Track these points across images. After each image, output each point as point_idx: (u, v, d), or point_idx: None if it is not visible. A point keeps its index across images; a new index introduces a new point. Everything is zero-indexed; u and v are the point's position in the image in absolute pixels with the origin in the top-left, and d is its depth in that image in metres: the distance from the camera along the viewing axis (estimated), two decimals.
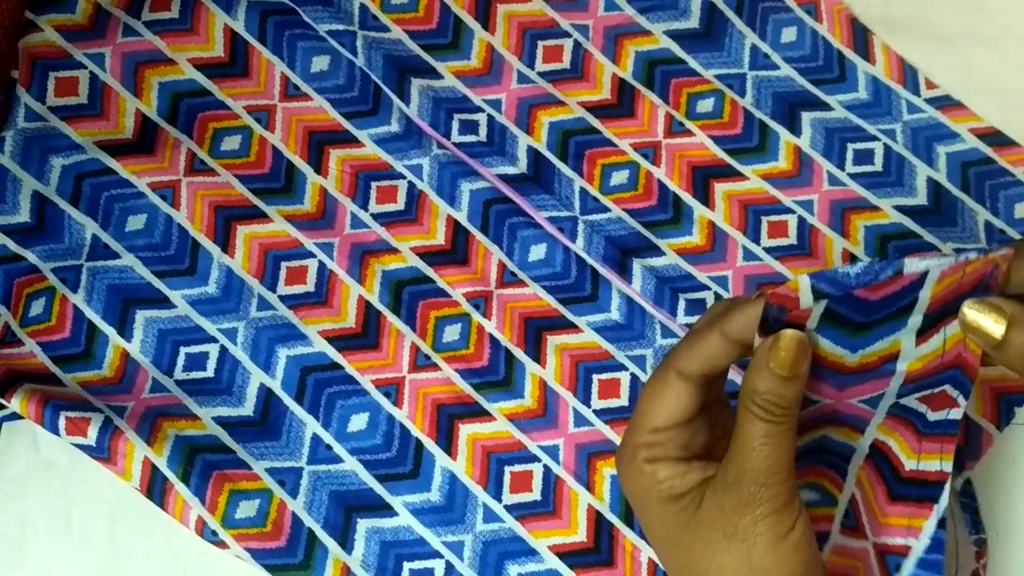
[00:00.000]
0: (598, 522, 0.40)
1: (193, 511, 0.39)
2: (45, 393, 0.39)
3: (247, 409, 0.41)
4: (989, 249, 0.28)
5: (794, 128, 0.45)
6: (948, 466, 0.30)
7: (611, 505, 0.40)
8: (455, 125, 0.44)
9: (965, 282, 0.28)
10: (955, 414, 0.30)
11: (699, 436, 0.31)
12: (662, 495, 0.30)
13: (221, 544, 0.39)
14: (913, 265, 0.28)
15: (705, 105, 0.46)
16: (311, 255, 0.43)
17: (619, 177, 0.45)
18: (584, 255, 0.43)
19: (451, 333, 0.42)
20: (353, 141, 0.44)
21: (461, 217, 0.44)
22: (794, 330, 0.28)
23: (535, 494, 0.40)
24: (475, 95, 0.45)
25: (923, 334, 0.29)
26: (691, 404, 0.30)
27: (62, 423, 0.38)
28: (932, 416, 0.30)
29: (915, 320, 0.29)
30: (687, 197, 0.44)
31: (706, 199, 0.44)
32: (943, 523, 0.31)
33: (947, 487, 0.30)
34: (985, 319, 0.28)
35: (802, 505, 0.29)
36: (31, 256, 0.42)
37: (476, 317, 0.42)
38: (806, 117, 0.46)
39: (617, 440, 0.41)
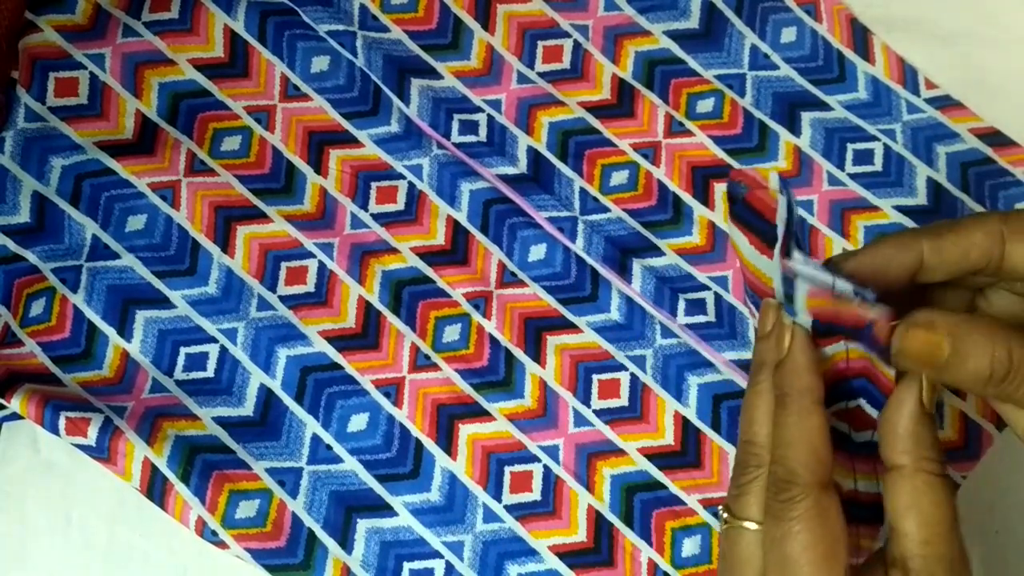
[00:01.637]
0: (598, 522, 0.40)
1: (193, 511, 0.39)
2: (45, 393, 0.39)
3: (247, 409, 0.41)
4: (862, 295, 0.25)
5: (794, 128, 0.45)
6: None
7: (611, 505, 0.40)
8: (455, 125, 0.44)
9: (844, 318, 0.25)
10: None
11: None
12: None
13: (221, 544, 0.39)
14: (788, 263, 0.26)
15: (705, 105, 0.46)
16: (311, 255, 0.43)
17: (619, 177, 0.45)
18: (584, 255, 0.43)
19: (451, 333, 0.42)
20: (353, 141, 0.44)
21: (461, 217, 0.44)
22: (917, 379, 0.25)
23: (535, 494, 0.40)
24: (475, 95, 0.45)
25: (820, 338, 0.27)
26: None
27: (62, 423, 0.38)
28: (857, 437, 0.28)
29: (804, 319, 0.27)
30: (687, 197, 0.44)
31: (706, 199, 0.44)
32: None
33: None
34: (923, 346, 0.24)
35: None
36: (31, 256, 0.42)
37: (476, 317, 0.42)
38: (806, 117, 0.46)
39: (617, 440, 0.41)
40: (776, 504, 0.26)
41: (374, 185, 0.44)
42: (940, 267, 0.27)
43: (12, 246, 0.42)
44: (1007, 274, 0.27)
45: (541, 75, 0.46)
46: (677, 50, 0.46)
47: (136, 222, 0.43)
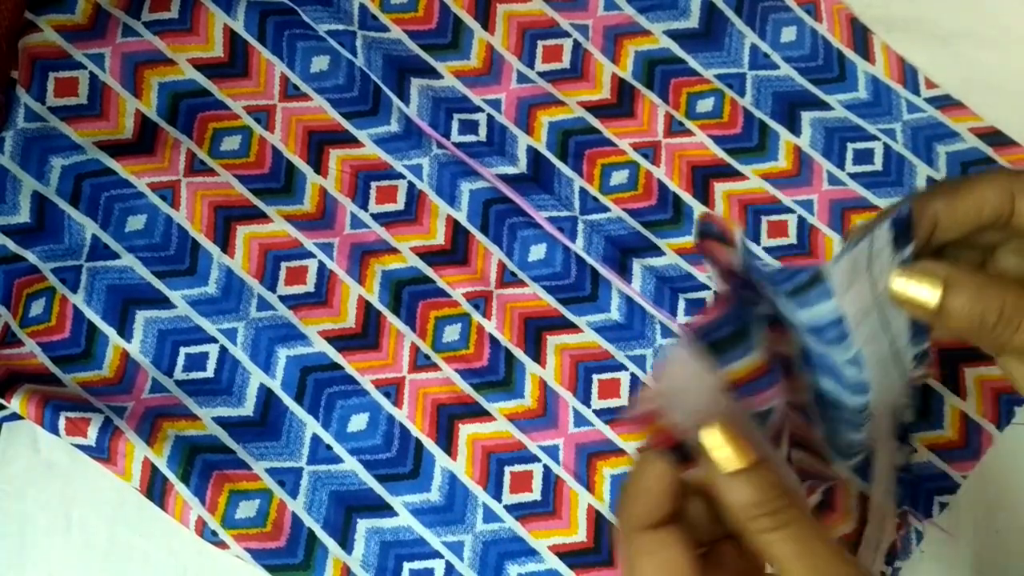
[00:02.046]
0: (598, 522, 0.40)
1: (193, 511, 0.39)
2: (45, 393, 0.39)
3: (247, 409, 0.41)
4: (897, 225, 0.25)
5: (794, 128, 0.45)
6: None
7: (611, 505, 0.40)
8: (455, 125, 0.44)
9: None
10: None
11: None
12: None
13: (221, 544, 0.39)
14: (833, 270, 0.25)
15: (705, 105, 0.46)
16: (311, 255, 0.43)
17: (619, 177, 0.45)
18: (584, 255, 0.43)
19: (451, 333, 0.42)
20: (353, 141, 0.44)
21: (461, 217, 0.44)
22: (712, 421, 0.25)
23: (535, 494, 0.40)
24: (475, 95, 0.45)
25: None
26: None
27: (62, 423, 0.38)
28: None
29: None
30: (687, 197, 0.44)
31: (706, 199, 0.44)
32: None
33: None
34: (918, 287, 0.25)
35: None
36: (31, 256, 0.42)
37: (476, 317, 0.42)
38: (806, 117, 0.46)
39: (617, 440, 0.41)
40: (620, 547, 0.27)
41: (374, 185, 0.44)
42: (954, 226, 0.27)
43: (12, 246, 0.42)
44: (1016, 230, 0.28)
45: (541, 75, 0.46)
46: (677, 50, 0.46)
47: (136, 222, 0.43)
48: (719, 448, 0.25)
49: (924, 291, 0.25)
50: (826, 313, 0.26)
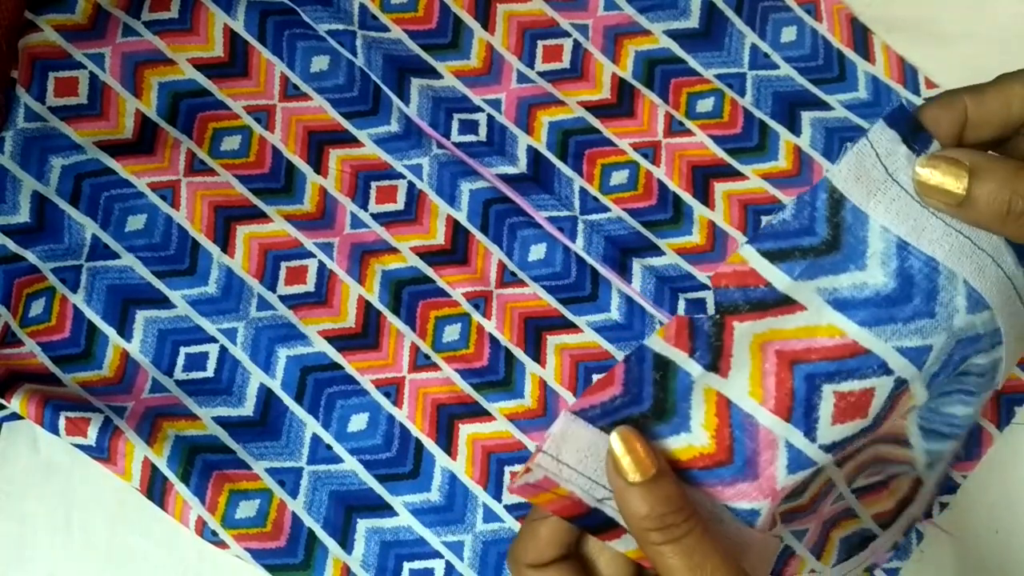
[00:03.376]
0: None
1: (193, 511, 0.39)
2: (45, 393, 0.39)
3: (247, 409, 0.41)
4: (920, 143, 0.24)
5: (794, 128, 0.45)
6: None
7: None
8: (455, 125, 0.44)
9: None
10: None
11: None
12: None
13: (221, 544, 0.39)
14: (835, 171, 0.24)
15: (705, 105, 0.46)
16: (311, 255, 0.43)
17: (619, 177, 0.45)
18: (584, 255, 0.43)
19: (451, 333, 0.42)
20: (353, 141, 0.44)
21: (461, 217, 0.44)
22: (619, 427, 0.25)
23: None
24: (475, 95, 0.45)
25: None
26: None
27: (62, 423, 0.38)
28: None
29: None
30: (687, 197, 0.44)
31: (706, 199, 0.44)
32: None
33: None
34: (944, 176, 0.24)
35: None
36: (31, 256, 0.42)
37: (476, 317, 0.42)
38: (806, 117, 0.46)
39: None
40: None
41: (374, 185, 0.44)
42: (984, 122, 0.27)
43: (12, 246, 0.42)
44: None
45: (541, 74, 0.46)
46: (677, 49, 0.46)
47: (136, 222, 0.43)
48: (622, 456, 0.25)
49: (949, 179, 0.24)
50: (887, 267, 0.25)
